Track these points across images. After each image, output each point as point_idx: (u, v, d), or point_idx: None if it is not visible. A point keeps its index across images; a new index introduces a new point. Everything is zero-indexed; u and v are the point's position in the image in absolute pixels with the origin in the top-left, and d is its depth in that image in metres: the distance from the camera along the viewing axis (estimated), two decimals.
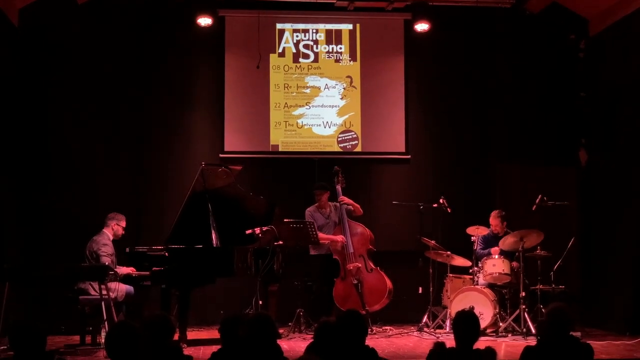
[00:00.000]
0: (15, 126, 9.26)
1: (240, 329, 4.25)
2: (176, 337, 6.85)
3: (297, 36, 10.31)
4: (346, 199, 8.90)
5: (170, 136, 9.97)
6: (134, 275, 7.81)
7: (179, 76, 10.05)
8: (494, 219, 8.89)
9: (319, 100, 10.27)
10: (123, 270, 7.80)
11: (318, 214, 8.91)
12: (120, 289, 7.74)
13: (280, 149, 10.16)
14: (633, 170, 8.99)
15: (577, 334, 6.93)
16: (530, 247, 8.52)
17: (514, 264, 8.51)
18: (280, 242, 8.27)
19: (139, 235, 9.45)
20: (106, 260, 7.73)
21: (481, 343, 4.53)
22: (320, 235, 8.66)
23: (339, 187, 8.94)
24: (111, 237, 8.02)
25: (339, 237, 8.76)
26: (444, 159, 10.31)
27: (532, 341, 7.25)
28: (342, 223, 8.84)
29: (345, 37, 10.36)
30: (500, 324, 8.32)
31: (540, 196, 8.72)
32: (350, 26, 10.38)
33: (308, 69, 10.30)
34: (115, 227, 8.07)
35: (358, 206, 8.94)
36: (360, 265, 8.72)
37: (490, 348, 4.48)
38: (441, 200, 9.00)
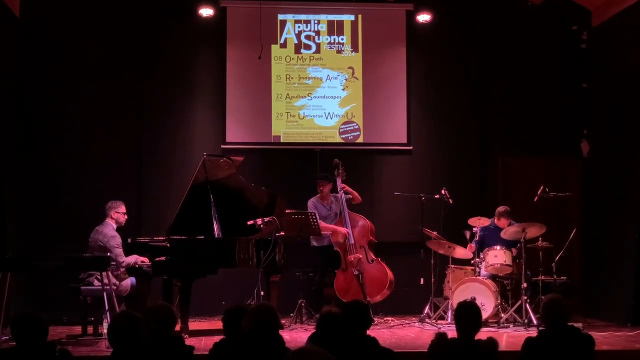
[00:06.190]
0: (17, 116, 9.26)
1: (242, 319, 4.25)
2: (178, 327, 6.86)
3: (298, 27, 10.28)
4: (345, 187, 8.94)
5: (171, 127, 9.95)
6: (143, 265, 7.77)
7: (180, 67, 10.03)
8: (503, 216, 8.74)
9: (320, 91, 10.25)
10: (141, 258, 7.78)
11: (320, 205, 8.93)
12: (124, 283, 7.74)
13: (282, 140, 10.14)
14: (635, 161, 8.98)
15: (579, 325, 6.93)
16: (532, 239, 8.52)
17: (514, 250, 8.50)
18: (282, 233, 8.27)
19: (140, 226, 9.46)
20: (119, 253, 7.68)
21: (483, 334, 4.53)
22: (324, 225, 8.68)
23: (339, 180, 8.95)
24: (115, 226, 7.91)
25: (342, 229, 8.78)
26: (446, 150, 10.28)
27: (533, 332, 7.25)
28: (342, 215, 8.86)
29: (347, 28, 10.33)
30: (502, 315, 8.33)
31: (542, 187, 8.72)
32: (352, 17, 10.35)
33: (310, 60, 10.27)
34: (116, 215, 7.92)
35: (357, 194, 8.99)
36: (361, 256, 8.74)
37: (492, 339, 4.48)
38: (443, 191, 9.00)
